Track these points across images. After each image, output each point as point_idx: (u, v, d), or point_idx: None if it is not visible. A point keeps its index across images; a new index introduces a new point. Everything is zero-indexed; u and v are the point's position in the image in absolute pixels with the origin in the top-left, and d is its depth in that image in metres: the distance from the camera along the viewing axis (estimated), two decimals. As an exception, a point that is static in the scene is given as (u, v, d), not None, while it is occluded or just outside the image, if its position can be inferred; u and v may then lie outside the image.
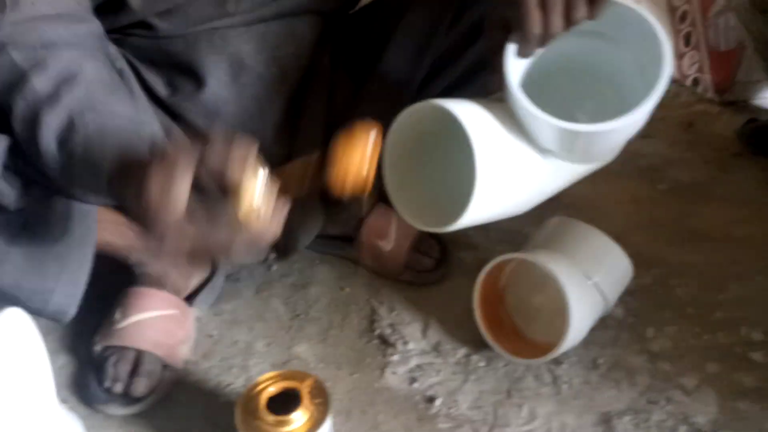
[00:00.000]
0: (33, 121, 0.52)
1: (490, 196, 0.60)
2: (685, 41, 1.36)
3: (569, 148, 0.61)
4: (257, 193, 0.43)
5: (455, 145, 0.62)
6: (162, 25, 0.68)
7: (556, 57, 0.61)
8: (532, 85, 0.60)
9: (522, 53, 0.58)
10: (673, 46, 1.38)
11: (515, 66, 0.58)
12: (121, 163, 0.49)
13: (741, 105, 1.30)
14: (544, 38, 0.56)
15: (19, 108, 0.53)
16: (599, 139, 0.59)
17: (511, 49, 0.57)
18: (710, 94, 1.32)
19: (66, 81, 0.53)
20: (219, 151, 0.43)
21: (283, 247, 0.80)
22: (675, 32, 1.38)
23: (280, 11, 0.73)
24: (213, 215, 0.44)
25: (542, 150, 0.63)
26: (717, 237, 0.96)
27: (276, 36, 0.74)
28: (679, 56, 1.38)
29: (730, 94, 1.29)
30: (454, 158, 0.66)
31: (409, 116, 0.61)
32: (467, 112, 0.58)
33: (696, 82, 1.35)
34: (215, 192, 0.44)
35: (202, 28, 0.69)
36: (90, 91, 0.54)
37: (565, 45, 0.59)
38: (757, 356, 0.78)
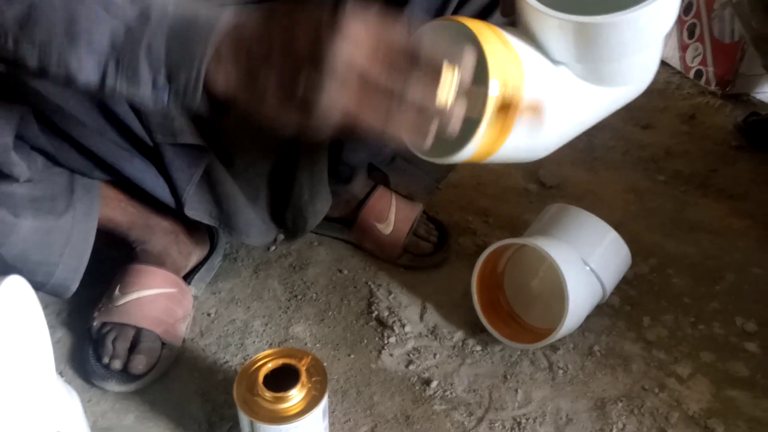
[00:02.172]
0: None
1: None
2: (689, 33, 1.36)
3: (584, 55, 0.55)
4: (454, 84, 0.42)
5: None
6: None
7: None
8: None
9: None
10: (677, 37, 1.38)
11: None
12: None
13: (743, 98, 1.30)
14: None
15: None
16: (609, 38, 0.53)
17: None
18: (713, 87, 1.32)
19: None
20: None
21: (291, 228, 0.80)
22: (680, 23, 1.37)
23: None
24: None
25: (561, 68, 0.57)
26: (715, 228, 0.97)
27: None
28: (682, 48, 1.38)
29: (732, 87, 1.29)
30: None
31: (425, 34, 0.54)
32: (482, 27, 0.52)
33: (699, 74, 1.35)
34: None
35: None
36: None
37: None
38: (751, 346, 0.79)
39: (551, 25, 0.53)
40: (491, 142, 0.51)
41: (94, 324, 0.73)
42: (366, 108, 0.41)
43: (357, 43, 0.40)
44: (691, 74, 1.36)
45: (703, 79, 1.34)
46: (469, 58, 0.42)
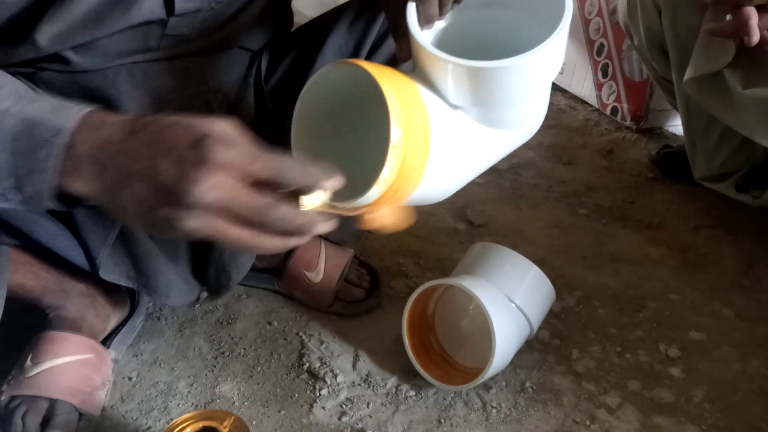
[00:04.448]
0: None
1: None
2: (603, 72, 1.44)
3: (478, 98, 0.57)
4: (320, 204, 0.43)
5: (369, 118, 0.59)
6: (78, 59, 0.65)
7: (466, 34, 0.61)
8: None
9: (424, 16, 0.56)
10: (592, 77, 1.46)
11: (421, 33, 0.56)
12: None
13: (656, 132, 1.38)
14: None
15: None
16: (499, 82, 0.56)
17: (412, 9, 0.56)
18: (628, 122, 1.39)
19: None
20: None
21: (214, 285, 0.78)
22: (594, 64, 1.46)
23: (205, 47, 0.72)
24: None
25: (458, 112, 0.59)
26: (634, 258, 1.01)
27: (200, 70, 0.73)
28: (598, 86, 1.46)
29: (645, 122, 1.37)
30: (369, 132, 0.61)
31: (318, 83, 0.56)
32: (381, 70, 0.53)
33: (615, 110, 1.42)
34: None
35: (121, 62, 0.68)
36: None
37: (473, 20, 0.59)
38: (675, 371, 0.81)
39: (447, 69, 0.55)
40: (393, 188, 0.52)
41: (2, 398, 0.69)
42: (229, 231, 0.41)
43: (223, 174, 0.39)
44: (608, 111, 1.44)
45: (619, 115, 1.41)
46: (335, 183, 0.43)
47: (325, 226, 0.43)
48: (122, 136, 0.41)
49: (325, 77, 0.55)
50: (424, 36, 0.56)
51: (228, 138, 0.40)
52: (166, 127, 0.41)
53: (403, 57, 0.59)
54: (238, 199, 0.40)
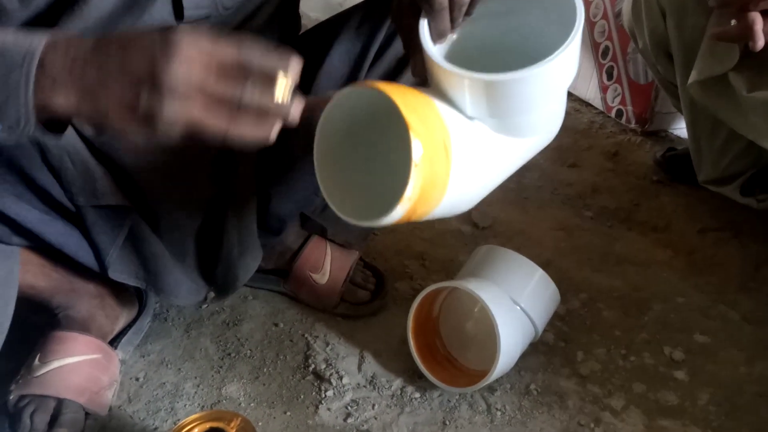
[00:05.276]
0: None
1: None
2: (608, 75, 1.44)
3: (496, 110, 0.58)
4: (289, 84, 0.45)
5: (388, 136, 0.60)
6: None
7: (477, 43, 0.61)
8: None
9: (437, 31, 0.57)
10: (597, 79, 1.46)
11: (434, 48, 0.57)
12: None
13: (661, 135, 1.38)
14: (453, 8, 0.56)
15: None
16: (515, 93, 0.56)
17: (424, 25, 0.57)
18: (633, 125, 1.39)
19: None
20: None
21: (221, 284, 0.79)
22: (599, 67, 1.45)
23: None
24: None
25: (476, 123, 0.59)
26: (640, 261, 1.01)
27: None
28: (603, 89, 1.46)
29: (650, 125, 1.37)
30: (389, 150, 0.61)
31: (340, 103, 0.57)
32: (396, 90, 0.54)
33: (619, 113, 1.42)
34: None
35: None
36: None
37: (484, 29, 0.60)
38: (679, 374, 0.81)
39: (463, 84, 0.55)
40: (417, 205, 0.52)
41: (11, 398, 0.69)
42: (208, 117, 0.43)
43: (191, 59, 0.42)
44: (613, 113, 1.44)
45: (624, 117, 1.41)
46: (295, 63, 0.45)
47: (297, 105, 0.45)
48: (90, 46, 0.43)
49: (341, 102, 0.56)
50: (437, 51, 0.57)
51: (191, 27, 0.43)
52: (132, 32, 0.44)
53: (418, 72, 0.60)
54: (209, 78, 0.42)
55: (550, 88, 0.57)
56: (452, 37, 0.60)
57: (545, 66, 0.53)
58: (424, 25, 0.57)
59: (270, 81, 0.43)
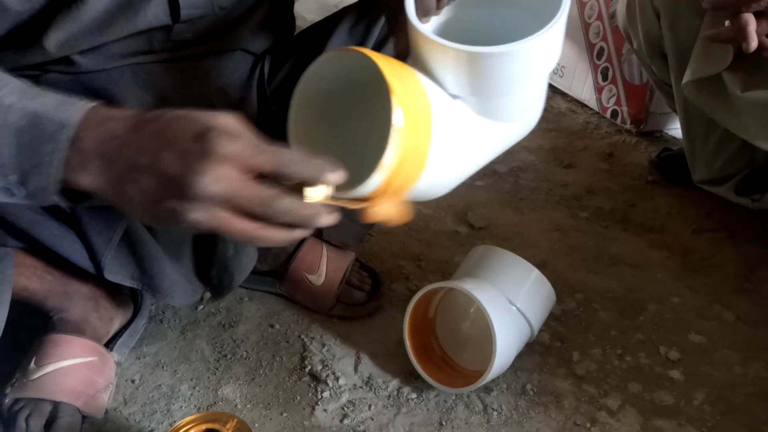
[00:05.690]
0: None
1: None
2: (603, 76, 1.44)
3: (477, 87, 0.58)
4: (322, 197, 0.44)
5: (368, 108, 0.59)
6: (84, 61, 0.66)
7: (463, 32, 0.61)
8: None
9: (422, 8, 0.56)
10: (592, 80, 1.46)
11: (420, 22, 0.57)
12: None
13: (656, 135, 1.38)
14: None
15: None
16: (497, 69, 0.56)
17: (410, 2, 0.57)
18: (628, 125, 1.39)
19: None
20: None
21: (217, 285, 0.79)
22: (594, 67, 1.46)
23: (208, 50, 0.73)
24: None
25: (457, 102, 0.59)
26: (635, 261, 1.01)
27: (204, 72, 0.73)
28: (598, 90, 1.46)
29: (645, 125, 1.37)
30: (368, 124, 0.60)
31: (319, 70, 0.55)
32: (380, 56, 0.53)
33: (614, 114, 1.43)
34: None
35: (125, 63, 0.68)
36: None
37: (470, 18, 0.60)
38: (675, 374, 0.81)
39: (447, 56, 0.55)
40: (395, 176, 0.51)
41: (6, 401, 0.69)
42: (234, 224, 0.41)
43: (226, 170, 0.40)
44: (608, 114, 1.44)
45: (619, 118, 1.42)
46: (334, 176, 0.43)
47: (328, 218, 0.43)
48: (127, 130, 0.42)
49: (321, 67, 0.55)
50: (423, 26, 0.56)
51: (232, 130, 0.41)
52: (171, 121, 0.42)
53: (402, 51, 0.60)
54: (242, 191, 0.40)
55: (532, 68, 0.57)
56: (438, 20, 0.60)
57: (529, 43, 0.54)
58: (410, 1, 0.57)
59: (305, 195, 0.42)
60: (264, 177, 0.41)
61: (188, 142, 0.40)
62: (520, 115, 0.64)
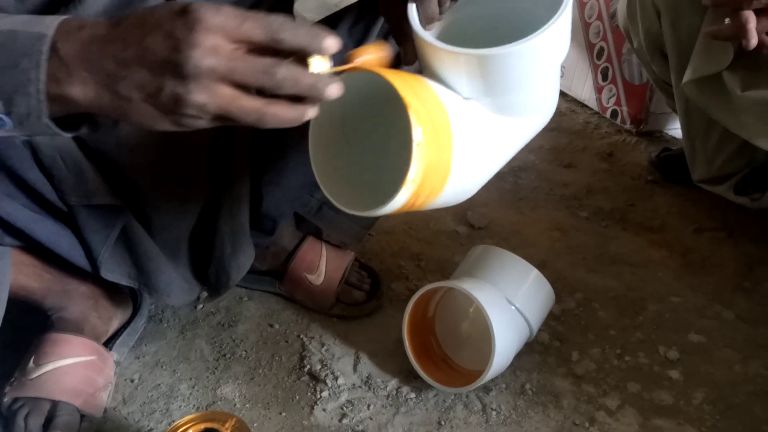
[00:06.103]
0: None
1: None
2: (603, 76, 1.44)
3: (491, 87, 0.57)
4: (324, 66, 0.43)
5: (385, 124, 0.59)
6: None
7: (465, 32, 0.61)
8: None
9: (425, 16, 0.56)
10: (592, 80, 1.46)
11: (425, 31, 0.57)
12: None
13: (656, 135, 1.38)
14: None
15: None
16: (509, 68, 0.56)
17: (413, 10, 0.57)
18: (628, 125, 1.39)
19: None
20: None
21: (214, 284, 0.79)
22: (594, 67, 1.46)
23: None
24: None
25: (472, 104, 0.58)
26: (635, 261, 1.01)
27: None
28: (598, 90, 1.46)
29: (645, 125, 1.37)
30: (387, 140, 0.61)
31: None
32: (392, 72, 0.53)
33: (614, 114, 1.43)
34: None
35: None
36: None
37: (472, 17, 0.60)
38: (674, 374, 0.81)
39: (458, 61, 0.55)
40: (421, 189, 0.51)
41: (5, 400, 0.69)
42: (238, 103, 0.40)
43: (217, 40, 0.38)
44: (608, 114, 1.44)
45: (619, 118, 1.42)
46: (331, 41, 0.42)
47: (334, 88, 0.42)
48: (106, 30, 0.40)
49: None
50: (429, 35, 0.56)
51: (213, 4, 0.39)
52: (150, 9, 0.40)
53: (409, 60, 0.59)
54: (238, 62, 0.39)
55: (543, 63, 0.57)
56: (439, 24, 0.60)
57: (537, 38, 0.53)
58: (412, 10, 0.57)
59: (305, 62, 0.40)
60: (258, 50, 0.40)
61: (172, 21, 0.39)
62: (536, 107, 0.63)
